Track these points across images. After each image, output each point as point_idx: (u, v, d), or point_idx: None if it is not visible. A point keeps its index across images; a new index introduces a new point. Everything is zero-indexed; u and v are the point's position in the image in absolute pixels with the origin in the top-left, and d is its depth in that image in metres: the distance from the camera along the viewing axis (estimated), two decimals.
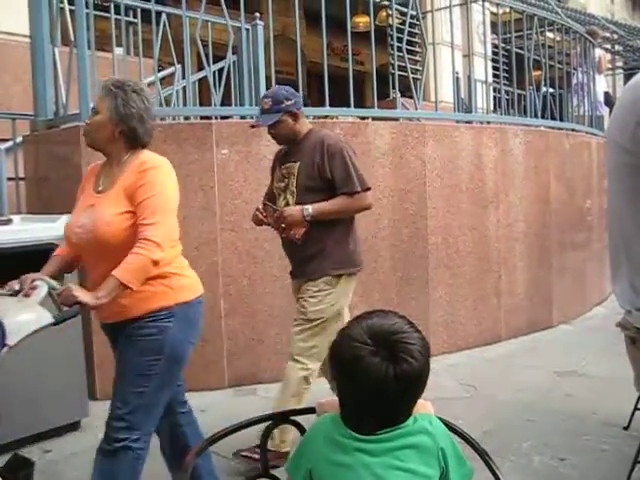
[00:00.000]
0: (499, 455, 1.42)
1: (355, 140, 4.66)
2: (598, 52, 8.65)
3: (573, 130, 6.65)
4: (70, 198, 4.24)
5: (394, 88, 6.04)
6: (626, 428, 3.59)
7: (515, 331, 5.58)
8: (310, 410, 1.41)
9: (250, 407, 4.08)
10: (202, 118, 4.66)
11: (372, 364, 1.25)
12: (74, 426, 3.69)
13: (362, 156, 4.66)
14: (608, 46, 13.04)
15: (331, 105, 4.77)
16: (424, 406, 1.36)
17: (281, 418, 1.41)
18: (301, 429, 1.39)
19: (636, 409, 3.46)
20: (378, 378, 1.25)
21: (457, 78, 5.93)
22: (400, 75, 5.66)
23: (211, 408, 4.09)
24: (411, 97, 5.50)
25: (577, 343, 5.51)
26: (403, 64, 5.63)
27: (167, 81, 6.07)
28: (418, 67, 7.26)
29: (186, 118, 4.70)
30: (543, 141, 5.94)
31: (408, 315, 1.38)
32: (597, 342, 5.40)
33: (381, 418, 1.29)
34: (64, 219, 3.64)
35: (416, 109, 5.28)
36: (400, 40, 5.40)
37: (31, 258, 3.51)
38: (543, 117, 6.24)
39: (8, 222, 3.78)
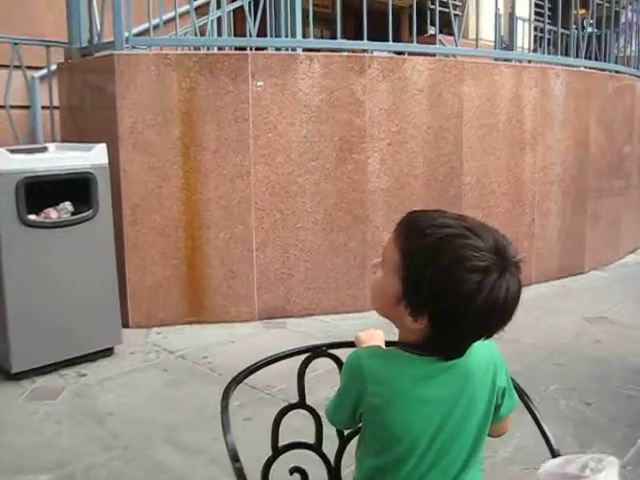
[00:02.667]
0: None
1: (392, 76, 4.57)
2: None
3: (617, 72, 6.43)
4: (104, 127, 4.27)
5: (432, 24, 5.87)
6: None
7: (546, 275, 5.54)
8: (349, 344, 1.41)
9: (279, 340, 4.14)
10: (237, 49, 4.59)
11: (509, 281, 1.11)
12: (108, 352, 3.78)
13: (398, 92, 4.60)
14: None
15: (368, 39, 4.65)
16: None
17: (320, 351, 1.41)
18: (339, 363, 1.39)
19: None
20: (513, 294, 1.11)
21: (498, 15, 5.72)
22: (440, 11, 5.49)
23: (240, 340, 4.16)
24: (450, 34, 5.35)
25: (608, 290, 5.46)
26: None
27: (202, 10, 5.96)
28: (458, 3, 7.03)
29: (220, 49, 4.63)
30: (585, 83, 5.77)
31: None
32: (628, 290, 5.36)
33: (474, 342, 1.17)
34: (99, 148, 3.66)
35: (456, 46, 5.14)
36: None
37: (66, 186, 3.56)
38: (587, 58, 6.04)
39: (43, 150, 3.80)
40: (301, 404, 1.37)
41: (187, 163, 4.24)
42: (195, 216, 4.29)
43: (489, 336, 1.17)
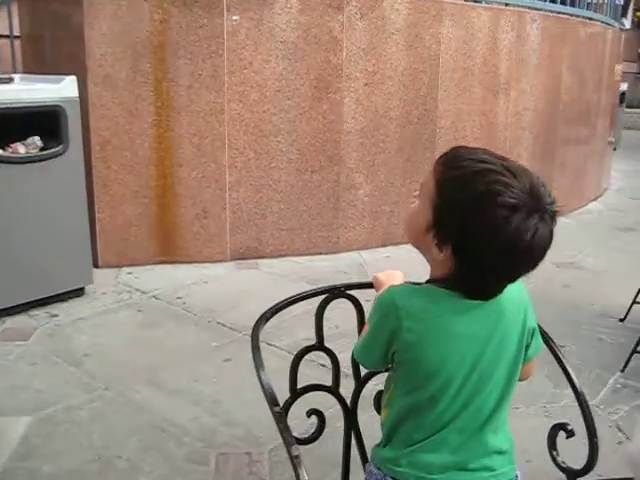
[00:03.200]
0: None
1: (370, 14, 4.46)
2: None
3: (590, 19, 6.41)
4: (70, 59, 4.08)
5: None
6: (622, 320, 3.66)
7: None
8: (367, 285, 1.38)
9: (252, 281, 4.11)
10: None
11: (538, 225, 1.07)
12: (79, 292, 3.69)
13: (376, 32, 4.50)
14: None
15: None
16: None
17: (339, 292, 1.37)
18: (358, 305, 1.35)
19: (635, 302, 3.51)
20: (545, 238, 1.08)
21: None
22: None
23: (213, 280, 4.11)
24: None
25: (574, 236, 5.54)
26: None
27: None
28: None
29: None
30: (559, 28, 5.74)
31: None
32: (594, 236, 5.46)
33: (502, 285, 1.15)
34: (69, 81, 3.49)
35: None
36: None
37: (34, 120, 3.40)
38: (561, 3, 6.00)
39: (9, 81, 3.61)
40: (319, 346, 1.34)
41: (159, 99, 4.10)
42: (167, 154, 4.17)
43: (512, 279, 1.15)
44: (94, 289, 3.78)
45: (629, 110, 12.61)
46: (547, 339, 1.35)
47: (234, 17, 4.14)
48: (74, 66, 3.92)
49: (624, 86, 9.49)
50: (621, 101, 9.40)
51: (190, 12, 4.05)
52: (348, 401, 1.39)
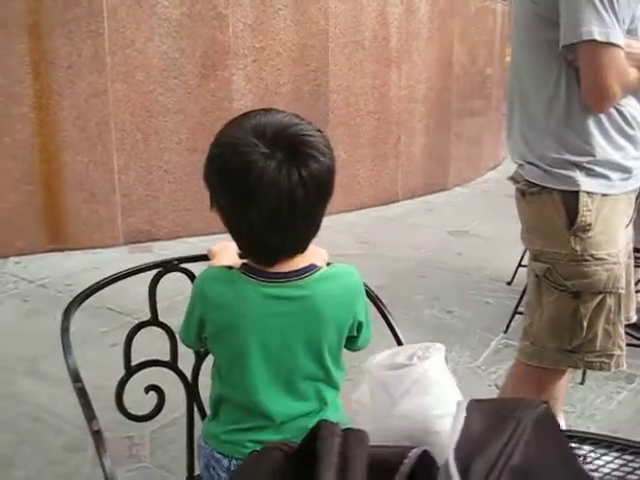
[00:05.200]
0: (391, 308, 1.42)
1: None
2: None
3: None
4: None
5: None
6: (509, 283, 3.79)
7: (412, 192, 5.69)
8: (202, 257, 1.37)
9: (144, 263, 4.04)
10: None
11: (269, 168, 1.00)
12: None
13: (263, 7, 4.46)
14: None
15: None
16: (318, 253, 1.22)
17: (171, 266, 1.36)
18: (193, 279, 1.34)
19: (520, 265, 3.64)
20: (279, 187, 1.01)
21: None
22: None
23: (105, 266, 4.01)
24: None
25: (469, 205, 5.70)
26: None
27: None
28: None
29: None
30: (449, 2, 5.83)
31: None
32: (487, 205, 5.62)
33: (280, 247, 1.10)
34: None
35: None
36: None
37: None
38: None
39: None
40: (153, 321, 1.33)
41: (37, 81, 3.95)
42: (50, 138, 4.04)
43: (273, 237, 1.08)
44: None
45: None
46: (378, 303, 1.35)
47: None
48: None
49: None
50: None
51: None
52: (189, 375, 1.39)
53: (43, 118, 4.00)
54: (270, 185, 1.01)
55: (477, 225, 5.00)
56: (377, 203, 5.33)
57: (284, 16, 4.58)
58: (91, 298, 3.59)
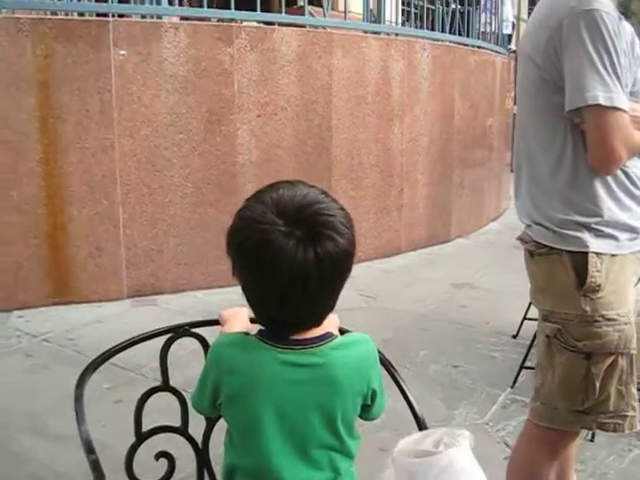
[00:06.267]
0: (396, 363, 1.41)
1: (261, 46, 4.50)
2: None
3: (479, 47, 6.66)
4: None
5: None
6: (515, 337, 3.77)
7: (415, 244, 5.70)
8: (213, 322, 1.37)
9: (150, 318, 4.03)
10: (98, 15, 4.35)
11: (285, 247, 1.02)
12: None
13: (267, 63, 4.54)
14: None
15: (236, 8, 4.55)
16: (330, 318, 1.22)
17: (183, 330, 1.35)
18: (205, 344, 1.34)
19: (525, 319, 3.62)
20: (294, 264, 1.02)
21: None
22: None
23: (108, 320, 4.01)
24: (319, 5, 5.33)
25: (472, 256, 5.70)
26: None
27: None
28: None
29: (80, 15, 4.38)
30: (450, 56, 5.93)
31: None
32: (490, 256, 5.62)
33: (295, 321, 1.11)
34: None
35: (324, 17, 5.13)
36: None
37: None
38: (451, 33, 6.21)
39: None
40: (164, 387, 1.32)
41: (45, 136, 4.00)
42: (56, 192, 4.07)
43: (284, 310, 1.09)
44: None
45: None
46: (389, 367, 1.35)
47: (121, 52, 4.10)
48: None
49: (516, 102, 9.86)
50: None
51: (75, 47, 3.99)
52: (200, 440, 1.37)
53: (50, 172, 4.03)
54: (285, 263, 1.03)
55: (480, 277, 5.00)
56: (380, 255, 5.34)
57: (288, 72, 4.66)
58: (94, 353, 3.57)
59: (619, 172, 1.64)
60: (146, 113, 4.19)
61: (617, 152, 1.56)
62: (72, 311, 4.10)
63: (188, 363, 2.89)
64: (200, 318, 4.05)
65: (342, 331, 1.27)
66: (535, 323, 1.93)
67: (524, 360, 3.15)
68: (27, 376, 3.25)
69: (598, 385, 1.64)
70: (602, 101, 1.52)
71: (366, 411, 1.20)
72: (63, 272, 4.16)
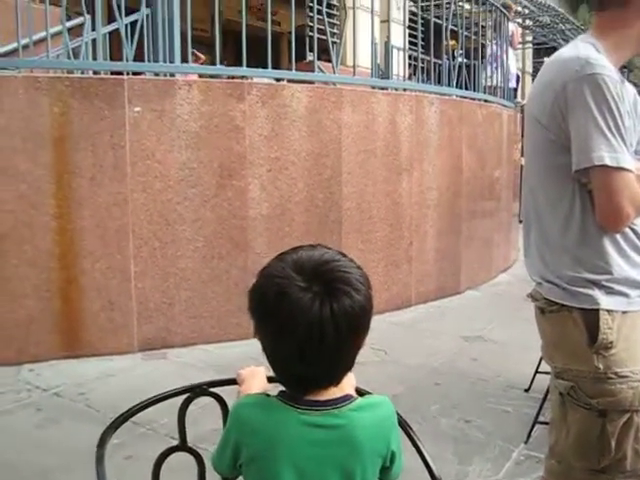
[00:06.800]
0: (408, 418, 1.41)
1: (271, 102, 4.60)
2: (512, 26, 8.81)
3: (486, 101, 6.77)
4: None
5: (311, 51, 5.97)
6: (527, 390, 3.74)
7: (425, 297, 5.70)
8: (230, 381, 1.38)
9: (161, 372, 4.03)
10: (113, 73, 4.47)
11: (301, 301, 1.05)
12: None
13: (278, 119, 4.63)
14: (520, 20, 13.34)
15: (247, 66, 4.66)
16: (348, 377, 1.22)
17: (201, 390, 1.36)
18: (222, 403, 1.34)
19: (537, 372, 3.60)
20: (310, 318, 1.04)
21: (375, 43, 5.91)
22: (318, 38, 5.60)
23: (119, 373, 4.01)
24: (328, 61, 5.45)
25: (482, 309, 5.68)
26: (321, 27, 5.56)
27: (75, 32, 5.77)
28: (336, 31, 7.20)
29: (96, 73, 4.50)
30: (457, 110, 6.03)
31: None
32: (501, 308, 5.60)
33: (313, 377, 1.12)
34: None
35: (334, 73, 5.24)
36: (319, 2, 5.31)
37: None
38: (457, 87, 6.32)
39: None
40: (182, 447, 1.32)
41: (60, 191, 4.07)
42: (69, 246, 4.12)
43: (302, 365, 1.10)
44: None
45: None
46: (404, 426, 1.35)
47: (136, 109, 4.19)
48: None
49: (524, 161, 9.94)
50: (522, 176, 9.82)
51: (91, 104, 4.09)
52: None
53: (64, 226, 4.09)
54: (301, 316, 1.05)
55: (491, 330, 4.98)
56: (390, 308, 5.34)
57: (298, 127, 4.74)
58: (105, 407, 3.57)
59: (627, 230, 1.66)
60: (159, 168, 4.26)
61: (624, 210, 1.59)
62: (83, 364, 4.10)
63: (200, 419, 2.90)
64: (211, 372, 4.04)
65: (359, 391, 1.28)
66: (547, 377, 1.93)
67: (537, 414, 3.13)
68: (37, 431, 3.23)
69: (614, 443, 1.63)
70: (608, 162, 1.56)
71: (385, 473, 1.20)
72: (75, 325, 4.18)
